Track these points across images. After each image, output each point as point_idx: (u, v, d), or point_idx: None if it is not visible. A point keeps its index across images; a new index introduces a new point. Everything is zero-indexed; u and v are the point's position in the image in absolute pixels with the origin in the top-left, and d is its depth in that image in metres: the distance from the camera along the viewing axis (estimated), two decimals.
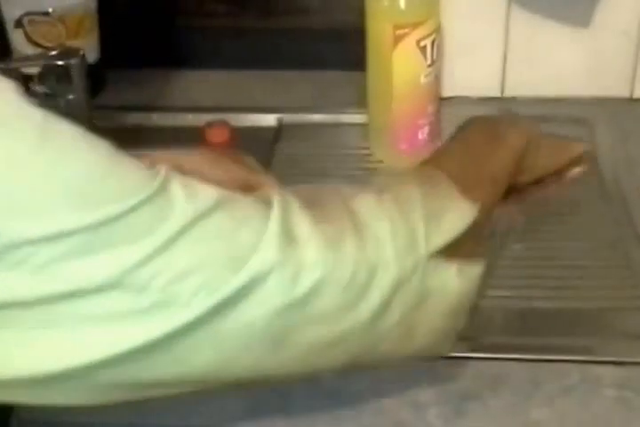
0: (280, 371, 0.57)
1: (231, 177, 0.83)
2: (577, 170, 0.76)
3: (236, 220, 0.53)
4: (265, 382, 0.59)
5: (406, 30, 0.99)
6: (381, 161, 1.09)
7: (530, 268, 0.92)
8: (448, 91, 1.18)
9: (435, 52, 1.03)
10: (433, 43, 1.02)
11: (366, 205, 0.58)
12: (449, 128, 1.11)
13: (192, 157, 0.81)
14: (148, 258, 0.49)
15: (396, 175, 0.66)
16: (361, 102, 1.10)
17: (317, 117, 1.17)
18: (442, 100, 1.14)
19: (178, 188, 0.52)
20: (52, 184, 0.48)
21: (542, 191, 0.75)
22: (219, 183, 0.80)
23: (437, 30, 1.02)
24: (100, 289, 0.49)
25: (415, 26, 1.00)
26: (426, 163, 0.67)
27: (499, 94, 1.18)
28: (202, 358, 0.53)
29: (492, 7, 1.13)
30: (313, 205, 0.56)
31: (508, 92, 1.18)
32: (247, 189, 0.84)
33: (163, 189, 0.51)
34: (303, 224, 0.54)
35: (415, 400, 0.78)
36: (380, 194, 0.59)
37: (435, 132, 1.09)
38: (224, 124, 1.14)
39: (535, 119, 1.08)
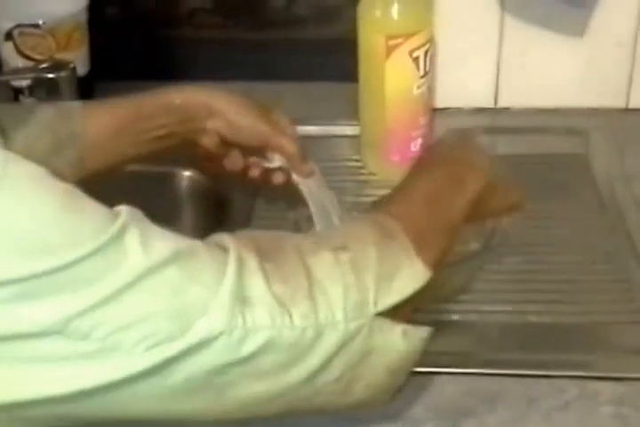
0: (221, 416, 0.58)
1: (253, 131, 0.88)
2: (509, 219, 0.81)
3: (190, 275, 0.53)
4: (207, 422, 0.60)
5: (399, 41, 0.99)
6: (373, 173, 1.09)
7: (525, 282, 0.91)
8: (441, 101, 1.17)
9: (428, 63, 1.02)
10: (426, 53, 1.01)
11: (323, 264, 0.59)
12: None
13: (223, 98, 0.88)
14: (92, 308, 0.50)
15: (358, 220, 0.66)
16: (353, 114, 1.09)
17: (308, 129, 1.16)
18: (435, 111, 1.14)
19: (134, 237, 0.52)
20: (2, 231, 0.49)
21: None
22: (238, 132, 0.85)
23: (431, 41, 1.02)
24: (42, 334, 0.50)
25: (408, 36, 0.99)
26: (390, 202, 0.68)
27: (492, 105, 1.18)
28: (141, 406, 0.54)
29: (485, 17, 1.13)
30: (270, 259, 0.57)
31: (502, 103, 1.18)
32: (263, 148, 0.88)
33: (117, 237, 0.52)
34: (257, 286, 0.55)
35: (411, 417, 0.77)
36: (338, 253, 0.60)
37: (427, 144, 1.08)
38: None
39: (530, 130, 1.12)
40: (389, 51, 0.99)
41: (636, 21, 1.11)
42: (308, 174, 0.92)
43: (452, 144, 0.78)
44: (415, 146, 1.07)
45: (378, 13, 1.00)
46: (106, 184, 1.07)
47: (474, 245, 0.87)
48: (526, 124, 1.15)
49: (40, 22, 1.13)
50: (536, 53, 1.14)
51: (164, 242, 0.53)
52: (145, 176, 1.11)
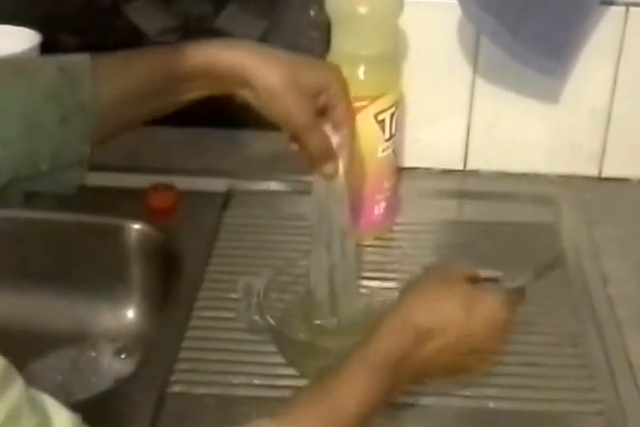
0: None
1: (284, 119, 0.82)
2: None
3: None
4: None
5: (364, 103, 1.00)
6: None
7: None
8: (409, 161, 1.19)
9: (393, 126, 1.03)
10: (392, 116, 1.02)
11: None
12: (409, 201, 1.13)
13: (260, 69, 0.79)
14: None
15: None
16: None
17: (272, 185, 1.16)
18: (403, 170, 1.16)
19: None
20: None
21: None
22: (268, 114, 0.81)
23: (397, 104, 1.02)
24: None
25: (374, 99, 1.00)
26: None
27: (461, 167, 1.19)
28: None
29: (457, 78, 1.14)
30: None
31: (471, 165, 1.19)
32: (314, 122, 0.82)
33: None
34: None
35: None
36: None
37: (392, 208, 1.09)
38: (170, 187, 1.12)
39: (499, 196, 1.12)
40: None
41: (611, 87, 1.13)
42: (328, 176, 0.86)
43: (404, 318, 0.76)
44: (379, 210, 1.08)
45: (343, 73, 1.00)
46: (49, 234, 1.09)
47: None
48: (495, 188, 1.16)
49: None
50: (507, 117, 1.16)
51: None
52: (90, 228, 1.11)
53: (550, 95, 1.14)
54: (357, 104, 0.99)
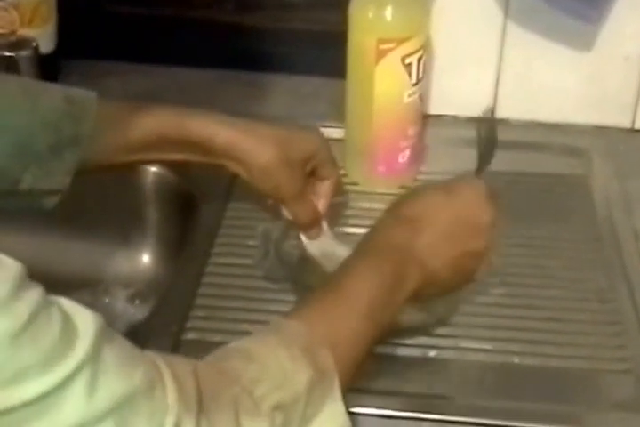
0: None
1: (273, 192, 0.87)
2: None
3: None
4: None
5: (391, 45, 0.97)
6: (356, 183, 1.07)
7: (509, 318, 0.89)
8: (436, 108, 1.16)
9: (421, 71, 1.00)
10: (419, 60, 0.99)
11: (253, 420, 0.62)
12: (434, 149, 1.10)
13: (252, 146, 0.84)
14: None
15: (294, 346, 0.68)
16: (340, 115, 1.06)
17: None
18: (428, 118, 1.13)
19: (80, 383, 0.53)
20: None
21: None
22: (258, 188, 0.86)
23: (425, 47, 1.00)
24: None
25: (401, 41, 0.97)
26: (331, 307, 0.71)
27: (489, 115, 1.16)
28: None
29: (486, 24, 1.11)
30: (207, 413, 0.59)
31: (501, 114, 1.16)
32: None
33: (62, 385, 0.52)
34: None
35: None
36: (274, 417, 0.63)
37: (416, 156, 1.07)
38: None
39: (528, 146, 1.10)
40: (380, 55, 0.97)
41: None
42: (312, 237, 0.91)
43: (420, 206, 0.80)
44: (403, 158, 1.05)
45: (370, 14, 0.97)
46: None
47: None
48: (524, 138, 1.13)
49: None
50: (539, 64, 1.13)
51: (111, 387, 0.54)
52: None
53: (583, 43, 1.11)
54: (383, 46, 0.97)
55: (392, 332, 0.79)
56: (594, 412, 0.80)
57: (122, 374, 0.55)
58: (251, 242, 0.94)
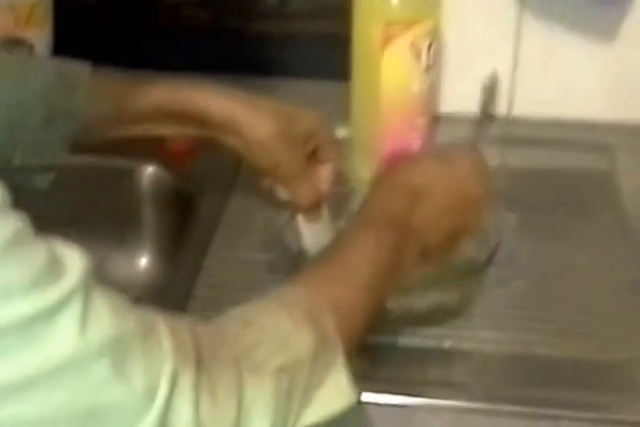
0: None
1: (272, 170, 0.83)
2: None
3: (122, 373, 0.52)
4: None
5: (399, 29, 0.93)
6: (362, 177, 1.00)
7: (532, 308, 0.86)
8: (447, 106, 1.12)
9: (431, 57, 0.96)
10: (430, 45, 0.96)
11: (261, 392, 0.60)
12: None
13: (251, 119, 0.81)
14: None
15: (298, 311, 0.66)
16: (343, 117, 1.03)
17: None
18: (440, 116, 1.10)
19: (71, 315, 0.50)
20: None
21: None
22: (257, 164, 0.83)
23: (435, 31, 0.96)
24: None
25: (409, 24, 0.93)
26: (335, 279, 0.69)
27: (505, 112, 1.13)
28: None
29: (501, 12, 1.07)
30: (207, 371, 0.57)
31: (517, 111, 1.12)
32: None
33: (51, 312, 0.50)
34: (184, 413, 0.55)
35: None
36: (280, 376, 0.61)
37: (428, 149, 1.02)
38: None
39: (547, 143, 1.06)
40: (387, 40, 0.94)
41: None
42: (312, 220, 0.88)
43: (418, 171, 0.78)
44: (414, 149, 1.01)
45: None
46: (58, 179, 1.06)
47: (473, 262, 0.83)
48: (544, 136, 1.10)
49: None
50: (558, 57, 1.09)
51: (104, 324, 0.52)
52: (102, 171, 1.08)
53: (607, 32, 1.07)
54: (391, 30, 0.93)
55: (398, 320, 0.79)
56: (623, 399, 0.76)
57: (114, 315, 0.53)
58: (248, 242, 0.94)
